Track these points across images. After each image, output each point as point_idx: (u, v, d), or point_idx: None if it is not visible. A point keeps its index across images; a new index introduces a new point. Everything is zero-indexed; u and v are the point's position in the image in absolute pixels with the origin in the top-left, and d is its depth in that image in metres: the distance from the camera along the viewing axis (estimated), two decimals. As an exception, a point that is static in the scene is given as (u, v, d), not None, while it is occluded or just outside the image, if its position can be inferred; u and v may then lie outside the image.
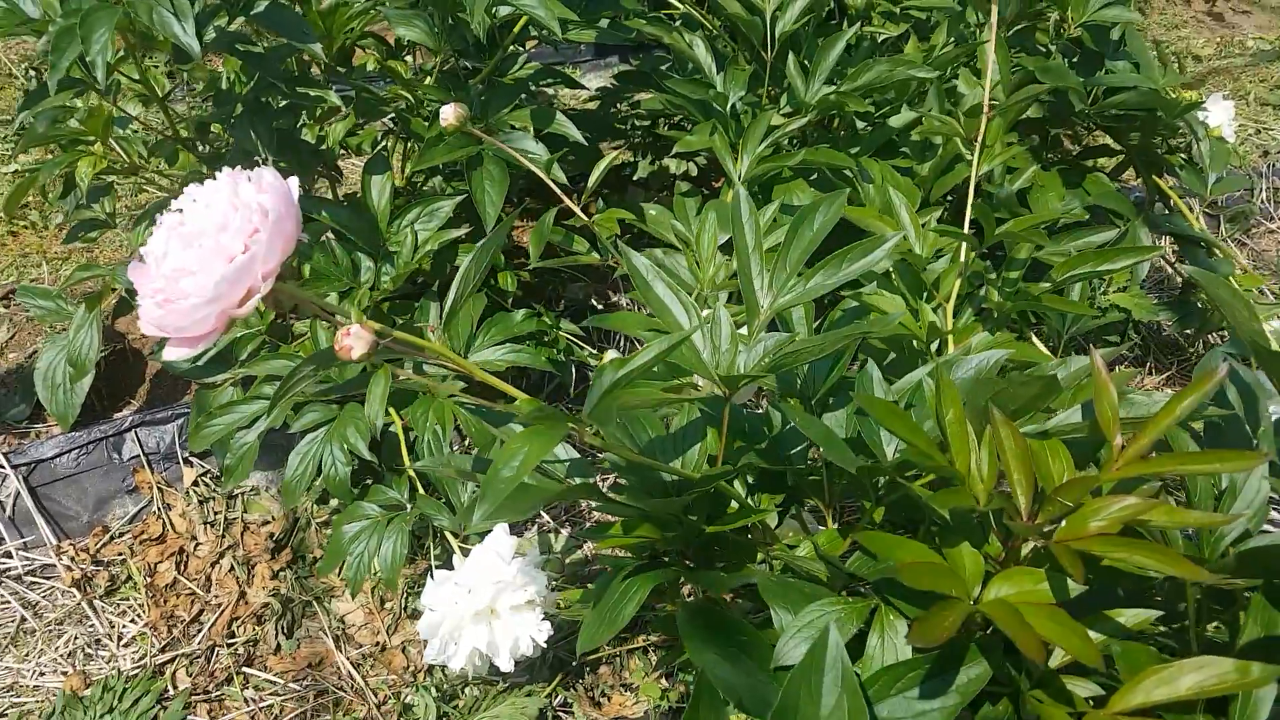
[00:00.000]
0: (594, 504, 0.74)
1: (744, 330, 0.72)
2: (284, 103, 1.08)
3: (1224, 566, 0.61)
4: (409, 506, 1.11)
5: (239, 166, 0.53)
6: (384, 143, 1.27)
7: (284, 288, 0.54)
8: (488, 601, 0.99)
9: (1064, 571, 0.57)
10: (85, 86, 0.94)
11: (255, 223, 0.50)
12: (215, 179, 0.52)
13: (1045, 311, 1.17)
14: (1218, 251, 1.52)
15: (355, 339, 0.53)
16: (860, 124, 1.42)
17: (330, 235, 1.18)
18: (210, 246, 0.49)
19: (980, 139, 0.93)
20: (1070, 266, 0.90)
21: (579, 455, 0.73)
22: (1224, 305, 0.79)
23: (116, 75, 1.03)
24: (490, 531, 1.04)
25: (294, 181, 0.53)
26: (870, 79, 1.21)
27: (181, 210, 0.51)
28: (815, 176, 1.35)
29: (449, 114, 0.96)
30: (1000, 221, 1.25)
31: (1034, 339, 1.42)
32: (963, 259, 0.89)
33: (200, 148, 1.15)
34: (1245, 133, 2.20)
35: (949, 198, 1.39)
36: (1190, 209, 1.92)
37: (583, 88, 1.45)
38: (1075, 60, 1.52)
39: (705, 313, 0.72)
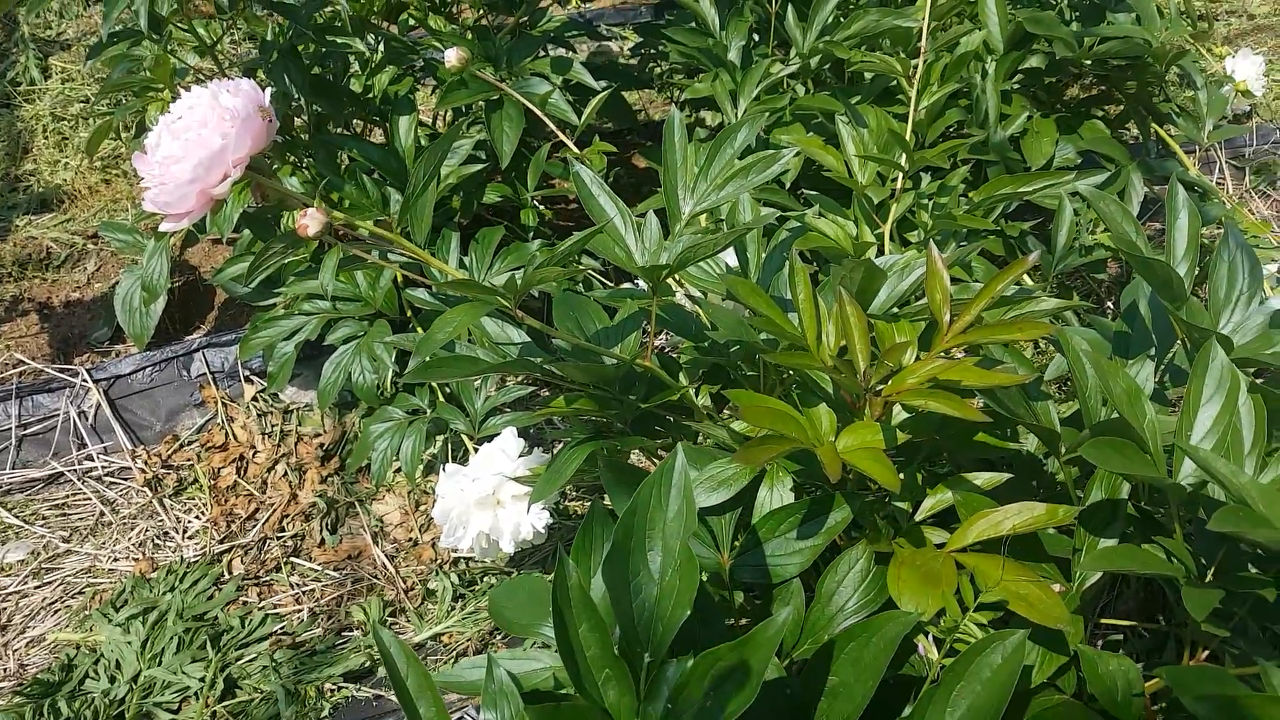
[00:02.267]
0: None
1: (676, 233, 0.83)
2: (320, 50, 1.22)
3: (1047, 420, 0.71)
4: (429, 411, 1.25)
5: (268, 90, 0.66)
6: (408, 88, 1.40)
7: (261, 179, 0.67)
8: (491, 490, 1.12)
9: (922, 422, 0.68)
10: (138, 35, 1.09)
11: (228, 121, 0.63)
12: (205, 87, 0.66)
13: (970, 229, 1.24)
14: (1213, 197, 1.56)
15: (311, 219, 0.66)
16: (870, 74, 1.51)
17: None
18: (193, 139, 0.63)
19: (920, 76, 1.01)
20: (991, 189, 0.98)
21: (530, 340, 0.85)
22: (1106, 218, 0.88)
23: (171, 28, 1.18)
24: (500, 434, 1.18)
25: (265, 92, 0.66)
26: (860, 28, 1.30)
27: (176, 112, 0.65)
28: (817, 121, 1.45)
29: (452, 56, 1.08)
30: (990, 165, 1.33)
31: (1026, 278, 1.50)
32: (898, 186, 0.98)
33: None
34: (1282, 88, 2.20)
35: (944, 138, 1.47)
36: (1214, 158, 1.95)
37: (604, 38, 1.56)
38: (1079, 14, 1.58)
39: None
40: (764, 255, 0.91)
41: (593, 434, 0.86)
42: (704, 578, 0.77)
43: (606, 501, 0.81)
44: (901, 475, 0.80)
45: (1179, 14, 1.97)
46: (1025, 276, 1.49)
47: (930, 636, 0.67)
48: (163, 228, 0.65)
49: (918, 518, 0.76)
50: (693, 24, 1.44)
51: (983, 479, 0.75)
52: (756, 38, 1.45)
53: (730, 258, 0.94)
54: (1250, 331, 0.89)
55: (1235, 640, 0.73)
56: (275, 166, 1.33)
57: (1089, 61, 1.47)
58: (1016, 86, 1.56)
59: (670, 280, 0.86)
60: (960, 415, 0.60)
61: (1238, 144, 2.09)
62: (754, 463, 0.62)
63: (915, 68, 1.37)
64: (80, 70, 2.34)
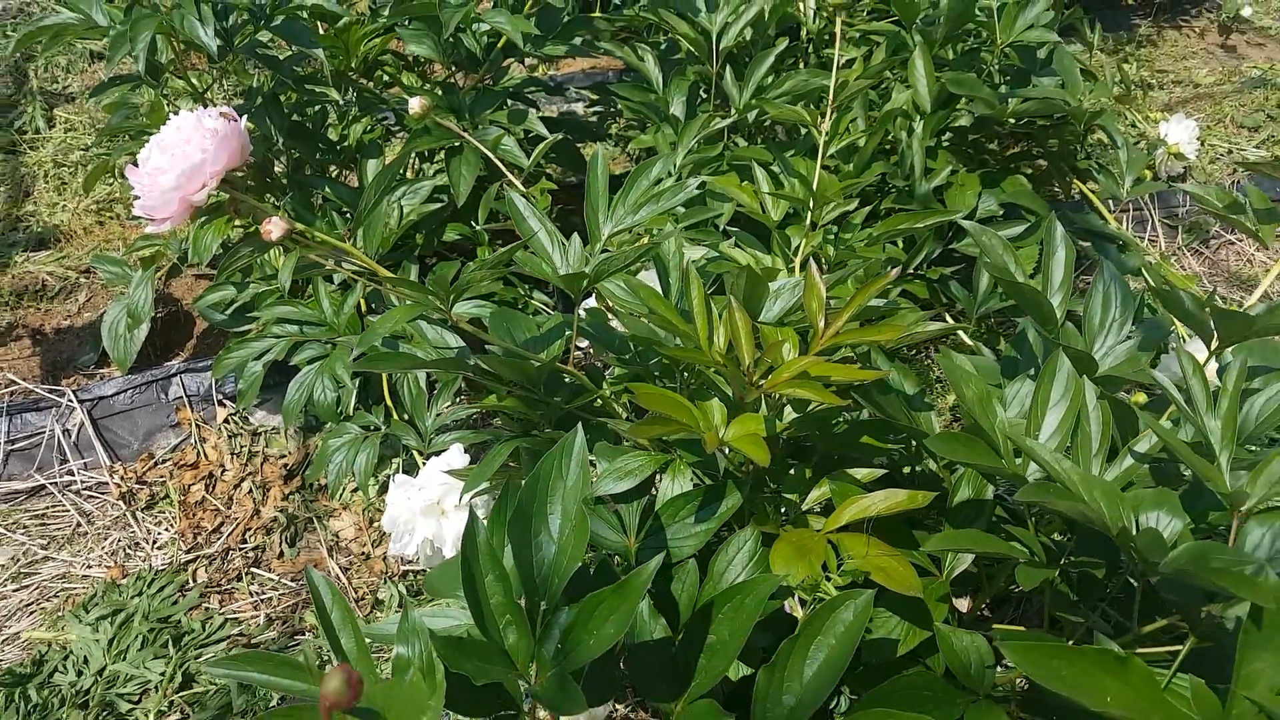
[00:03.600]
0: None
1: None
2: (301, 99, 1.34)
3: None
4: (383, 428, 1.34)
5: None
6: (380, 135, 1.51)
7: (235, 194, 0.77)
8: (436, 499, 1.21)
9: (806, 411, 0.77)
10: (137, 80, 1.21)
11: (208, 139, 0.74)
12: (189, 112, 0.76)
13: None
14: (1132, 248, 1.68)
15: (274, 225, 0.76)
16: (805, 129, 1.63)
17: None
18: (177, 153, 0.73)
19: (828, 127, 1.12)
20: (889, 224, 1.09)
21: (465, 345, 0.95)
22: (986, 249, 0.98)
23: (167, 75, 1.30)
24: (447, 450, 1.27)
25: (243, 120, 0.77)
26: (790, 86, 1.42)
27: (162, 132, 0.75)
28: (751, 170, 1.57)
29: (415, 105, 1.19)
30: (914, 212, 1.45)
31: (947, 316, 1.61)
32: (808, 222, 1.09)
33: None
34: (1217, 151, 2.33)
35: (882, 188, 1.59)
36: (1148, 218, 2.07)
37: (561, 92, 1.68)
38: (1009, 77, 1.71)
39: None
40: (681, 281, 1.01)
41: (521, 433, 0.96)
42: (615, 562, 0.86)
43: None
44: (792, 471, 0.90)
45: (1113, 80, 2.12)
46: (948, 316, 1.60)
47: (797, 598, 0.75)
48: (148, 230, 0.75)
49: (804, 507, 0.85)
50: (644, 83, 1.57)
51: (861, 473, 0.85)
52: (704, 95, 1.57)
53: (656, 286, 1.04)
54: (1121, 355, 0.99)
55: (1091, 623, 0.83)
56: (248, 190, 1.43)
57: (1012, 120, 1.59)
58: (946, 144, 1.69)
59: (602, 307, 0.96)
60: (822, 400, 0.70)
61: (1172, 204, 2.22)
62: (644, 436, 0.72)
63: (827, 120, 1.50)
64: (82, 120, 2.47)
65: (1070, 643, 0.85)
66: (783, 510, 0.88)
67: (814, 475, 0.87)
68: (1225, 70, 2.84)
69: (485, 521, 0.84)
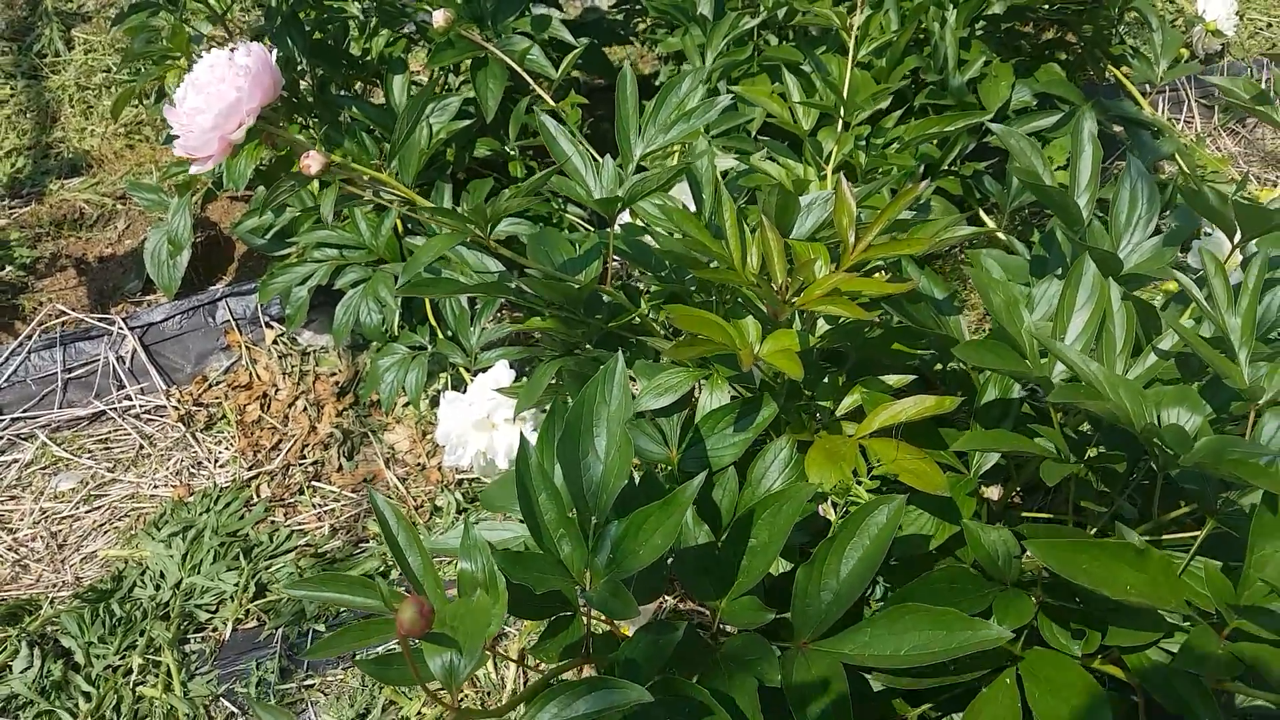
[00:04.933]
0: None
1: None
2: (320, 16, 1.34)
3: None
4: (429, 347, 1.38)
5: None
6: (403, 48, 1.51)
7: (271, 129, 0.80)
8: (486, 413, 1.26)
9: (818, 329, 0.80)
10: (155, 6, 1.22)
11: (242, 77, 0.76)
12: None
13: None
14: (1166, 134, 1.66)
15: (313, 159, 0.79)
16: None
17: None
18: (213, 92, 0.75)
19: (858, 27, 1.11)
20: (918, 129, 1.09)
21: (505, 269, 0.98)
22: (1015, 152, 0.99)
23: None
24: (493, 367, 1.31)
25: (272, 53, 0.78)
26: (819, -21, 1.40)
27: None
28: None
29: (439, 18, 1.19)
30: (942, 109, 1.44)
31: (981, 212, 1.61)
32: (839, 129, 1.10)
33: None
34: (1256, 25, 2.27)
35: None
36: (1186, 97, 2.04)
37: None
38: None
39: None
40: (714, 197, 1.03)
41: (564, 352, 0.99)
42: (658, 470, 0.90)
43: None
44: (826, 379, 0.94)
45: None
46: (982, 212, 1.60)
47: (831, 502, 0.80)
48: (192, 170, 0.78)
49: (838, 413, 0.89)
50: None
51: (893, 379, 0.88)
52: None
53: (688, 199, 1.06)
54: (1146, 251, 1.01)
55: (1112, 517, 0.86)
56: (283, 124, 1.45)
57: (1046, 6, 1.56)
58: (980, 32, 1.66)
59: (636, 220, 0.98)
60: (852, 315, 0.73)
61: (1208, 84, 2.17)
62: (681, 357, 0.75)
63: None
64: (102, 41, 2.47)
65: (1093, 532, 0.89)
66: (817, 417, 0.92)
67: (847, 382, 0.90)
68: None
69: (534, 439, 0.89)
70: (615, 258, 0.96)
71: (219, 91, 0.75)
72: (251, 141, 0.79)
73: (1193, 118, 2.12)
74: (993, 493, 1.00)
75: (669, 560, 0.80)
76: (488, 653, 0.68)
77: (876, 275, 0.87)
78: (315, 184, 1.40)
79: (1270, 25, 2.29)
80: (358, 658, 0.66)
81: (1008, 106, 1.58)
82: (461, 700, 1.27)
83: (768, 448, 0.87)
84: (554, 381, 0.99)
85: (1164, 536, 0.84)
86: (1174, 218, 1.78)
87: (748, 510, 0.78)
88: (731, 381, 0.90)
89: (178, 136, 0.78)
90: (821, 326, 0.91)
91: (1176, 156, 1.64)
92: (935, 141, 1.28)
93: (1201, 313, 0.84)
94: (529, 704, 0.60)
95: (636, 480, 0.85)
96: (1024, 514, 0.98)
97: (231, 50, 0.77)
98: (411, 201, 0.86)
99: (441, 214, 0.79)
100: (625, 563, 0.70)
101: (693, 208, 1.05)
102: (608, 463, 0.73)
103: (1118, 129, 1.79)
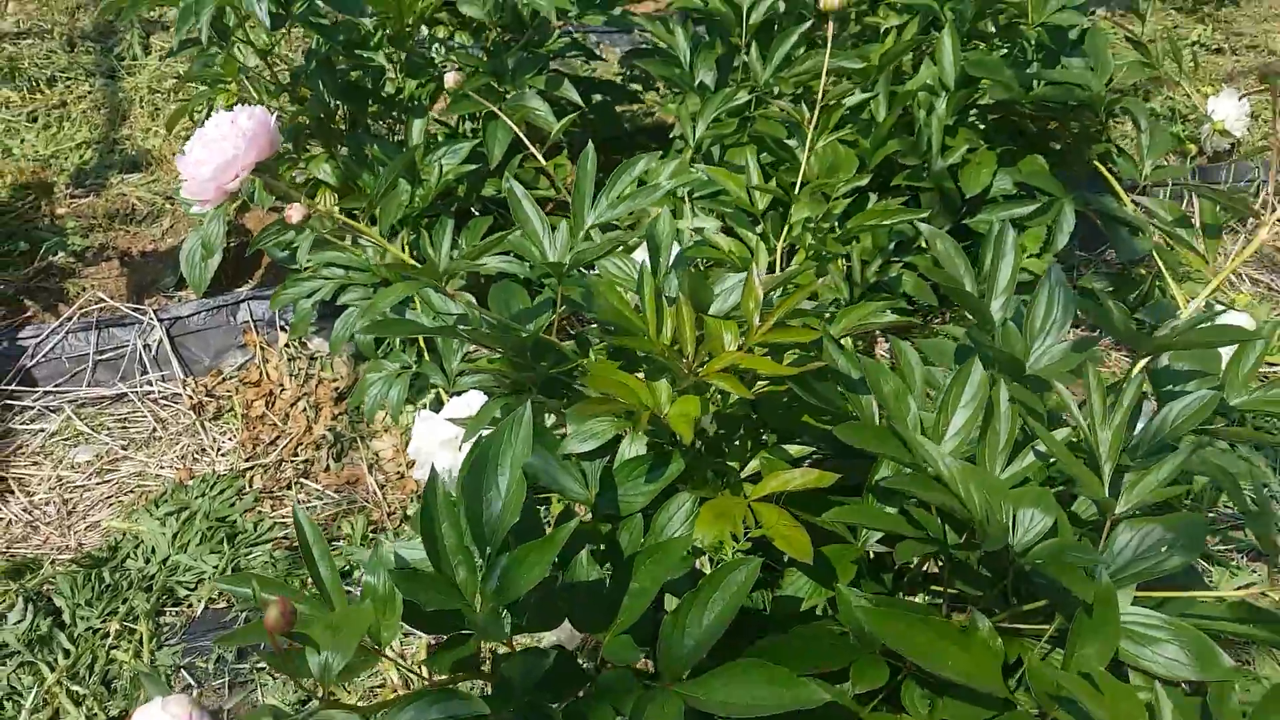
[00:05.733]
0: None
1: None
2: (348, 62, 1.47)
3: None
4: (414, 366, 1.50)
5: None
6: (430, 91, 1.63)
7: (267, 179, 0.91)
8: (453, 434, 1.37)
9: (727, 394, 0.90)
10: (199, 45, 1.35)
11: (240, 138, 0.87)
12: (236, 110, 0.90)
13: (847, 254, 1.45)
14: (1144, 233, 1.72)
15: (294, 211, 0.90)
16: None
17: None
18: (215, 148, 0.87)
19: (813, 123, 1.20)
20: (860, 219, 1.18)
21: (464, 313, 1.09)
22: (938, 254, 1.08)
23: (234, 38, 1.44)
24: (466, 392, 1.42)
25: (272, 116, 0.90)
26: (810, 65, 1.50)
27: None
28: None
29: (450, 79, 1.31)
30: (919, 191, 1.53)
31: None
32: (792, 215, 1.19)
33: (296, 90, 1.56)
34: (1273, 127, 2.31)
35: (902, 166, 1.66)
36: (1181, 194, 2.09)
37: (600, 59, 1.78)
38: (1041, 54, 1.75)
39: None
40: (669, 262, 1.13)
41: (512, 391, 1.10)
42: (579, 510, 1.00)
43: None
44: (738, 443, 1.03)
45: (1163, 54, 2.13)
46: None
47: (708, 557, 0.89)
48: (194, 210, 0.90)
49: (743, 475, 0.98)
50: (674, 58, 1.66)
51: (794, 449, 0.97)
52: (735, 64, 1.66)
53: (645, 259, 1.16)
54: (1055, 355, 1.08)
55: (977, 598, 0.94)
56: (313, 153, 1.58)
57: (1030, 106, 1.64)
58: (972, 118, 1.74)
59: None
60: (736, 391, 0.82)
61: (1214, 179, 2.23)
62: (584, 415, 0.85)
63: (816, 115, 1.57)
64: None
65: (965, 613, 0.97)
66: (725, 477, 1.01)
67: (754, 447, 1.00)
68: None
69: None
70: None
71: (219, 148, 0.87)
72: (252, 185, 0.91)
73: (1193, 211, 2.17)
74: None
75: (562, 593, 0.90)
76: (384, 658, 0.78)
77: (788, 354, 0.96)
78: (325, 202, 1.53)
79: (1287, 132, 2.33)
80: (263, 648, 0.76)
81: (988, 192, 1.66)
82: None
83: (673, 499, 0.96)
84: (498, 418, 1.09)
85: (1023, 626, 0.92)
86: (1146, 314, 1.85)
87: (633, 554, 0.88)
88: (653, 435, 0.99)
89: (184, 181, 0.90)
90: (733, 395, 1.00)
91: (1154, 254, 1.70)
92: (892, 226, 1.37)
93: (1075, 426, 0.92)
94: (392, 705, 0.70)
95: (552, 518, 0.95)
96: (902, 594, 1.06)
97: (238, 112, 0.89)
98: (380, 246, 0.97)
99: (400, 268, 0.90)
100: (508, 591, 0.79)
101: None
102: (506, 499, 0.83)
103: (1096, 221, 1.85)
